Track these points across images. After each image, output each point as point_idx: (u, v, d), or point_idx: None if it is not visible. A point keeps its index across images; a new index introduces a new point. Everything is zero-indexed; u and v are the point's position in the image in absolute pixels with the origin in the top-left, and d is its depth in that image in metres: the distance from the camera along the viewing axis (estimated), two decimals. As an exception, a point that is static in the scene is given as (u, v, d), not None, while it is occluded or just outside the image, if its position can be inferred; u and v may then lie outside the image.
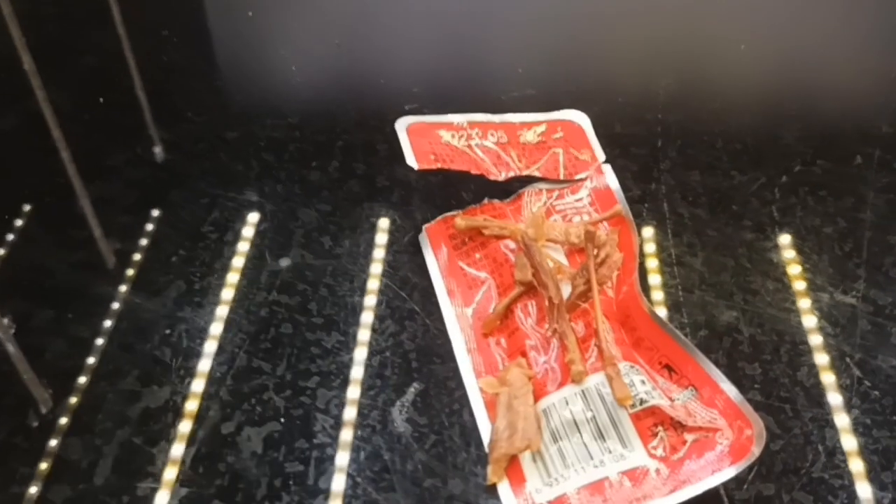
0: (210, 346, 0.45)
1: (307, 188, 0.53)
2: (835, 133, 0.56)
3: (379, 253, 0.49)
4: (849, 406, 0.41)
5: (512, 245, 0.47)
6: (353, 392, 0.42)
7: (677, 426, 0.38)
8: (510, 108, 0.58)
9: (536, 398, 0.40)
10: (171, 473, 0.39)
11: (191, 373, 0.43)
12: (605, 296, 0.44)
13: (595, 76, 0.62)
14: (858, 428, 0.40)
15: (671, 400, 0.39)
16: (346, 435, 0.41)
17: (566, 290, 0.44)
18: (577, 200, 0.49)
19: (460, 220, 0.48)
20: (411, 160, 0.49)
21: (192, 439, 0.41)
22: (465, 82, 0.62)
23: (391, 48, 0.65)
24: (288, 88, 0.62)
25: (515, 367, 0.41)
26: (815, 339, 0.44)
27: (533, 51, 0.65)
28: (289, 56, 0.65)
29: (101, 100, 0.61)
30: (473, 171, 0.49)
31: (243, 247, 0.50)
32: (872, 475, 0.39)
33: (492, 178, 0.49)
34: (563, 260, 0.46)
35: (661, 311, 0.45)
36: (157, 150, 0.57)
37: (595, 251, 0.44)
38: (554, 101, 0.59)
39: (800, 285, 0.47)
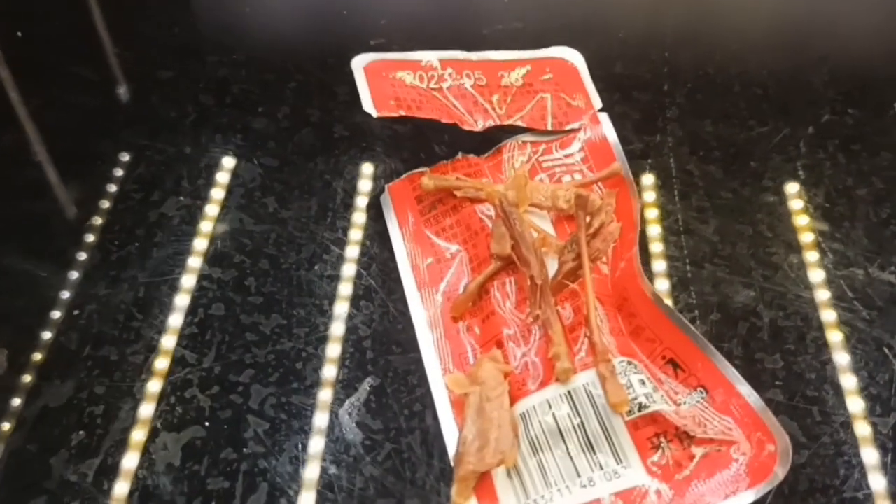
0: (124, 331, 0.37)
1: (251, 138, 0.45)
2: (869, 77, 0.48)
3: (332, 218, 0.41)
4: (886, 408, 0.34)
5: (489, 210, 0.39)
6: (294, 389, 0.35)
7: (683, 437, 0.31)
8: (493, 44, 0.50)
9: (514, 399, 0.33)
10: (68, 490, 0.32)
11: (100, 364, 0.36)
12: (598, 274, 0.36)
13: (592, 7, 0.53)
14: (900, 436, 0.34)
15: (676, 404, 0.32)
16: (283, 443, 0.34)
17: (552, 267, 0.36)
18: (568, 156, 0.41)
19: (427, 178, 0.40)
20: (369, 106, 0.40)
21: (95, 447, 0.34)
22: (441, 14, 0.53)
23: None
24: (234, 19, 0.53)
25: (489, 361, 0.34)
26: (847, 326, 0.37)
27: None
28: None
29: (18, 34, 0.52)
30: (444, 120, 0.41)
31: (170, 209, 0.42)
32: (917, 495, 0.32)
33: (466, 127, 0.41)
34: (550, 229, 0.38)
35: (665, 291, 0.38)
36: (76, 91, 0.48)
37: (587, 219, 0.36)
38: (544, 37, 0.50)
39: (829, 259, 0.39)
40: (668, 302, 0.37)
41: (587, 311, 0.34)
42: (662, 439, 0.32)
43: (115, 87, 0.48)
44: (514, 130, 0.43)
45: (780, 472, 0.30)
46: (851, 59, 0.50)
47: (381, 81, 0.41)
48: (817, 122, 0.46)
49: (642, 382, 0.32)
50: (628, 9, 0.53)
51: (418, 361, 0.36)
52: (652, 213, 0.41)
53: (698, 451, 0.31)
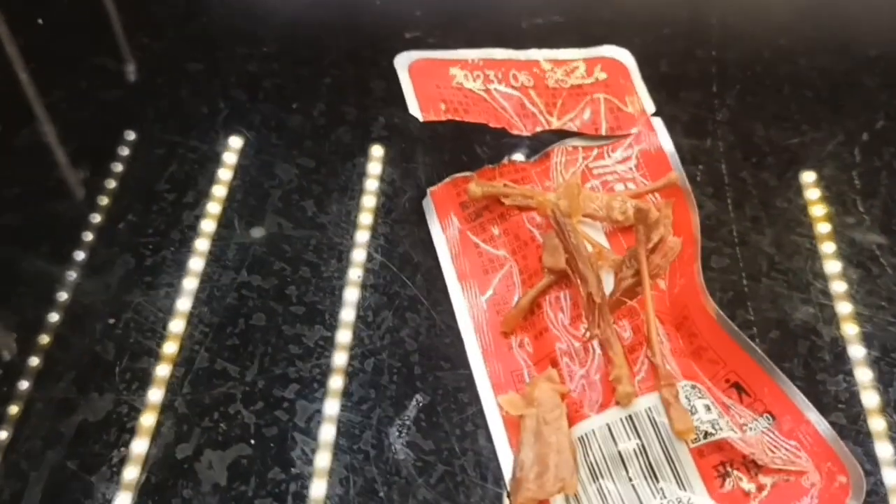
0: (163, 342, 0.36)
1: (286, 137, 0.44)
2: (924, 78, 0.47)
3: (373, 222, 0.40)
4: (955, 434, 0.33)
5: (539, 219, 0.37)
6: (342, 406, 0.34)
7: (751, 466, 0.30)
8: (531, 37, 0.48)
9: (571, 421, 0.32)
10: (111, 511, 0.31)
11: (139, 376, 0.35)
12: (657, 290, 0.35)
13: (635, 1, 0.51)
14: (968, 463, 0.33)
15: (742, 431, 0.31)
16: (331, 462, 0.33)
17: (608, 282, 0.35)
18: (621, 162, 0.39)
19: (475, 185, 0.38)
20: (415, 109, 0.39)
21: (139, 465, 0.32)
22: (478, 4, 0.51)
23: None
24: (264, 9, 0.51)
25: (545, 381, 0.33)
26: (911, 346, 0.36)
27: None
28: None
29: (40, 21, 0.50)
30: (492, 124, 0.39)
31: (206, 211, 0.40)
32: None
33: (515, 131, 0.40)
34: (604, 242, 0.37)
35: (720, 307, 0.37)
36: (104, 85, 0.46)
37: (647, 233, 0.35)
38: (585, 31, 0.49)
39: (888, 274, 0.38)
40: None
41: (648, 331, 0.33)
42: (730, 468, 0.30)
43: (142, 80, 0.47)
44: (562, 134, 0.41)
45: (853, 506, 0.29)
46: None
47: (426, 82, 0.40)
48: (872, 127, 0.44)
49: (707, 408, 0.31)
50: (673, 4, 0.51)
51: (469, 378, 0.35)
52: (705, 222, 0.40)
53: (767, 481, 0.30)
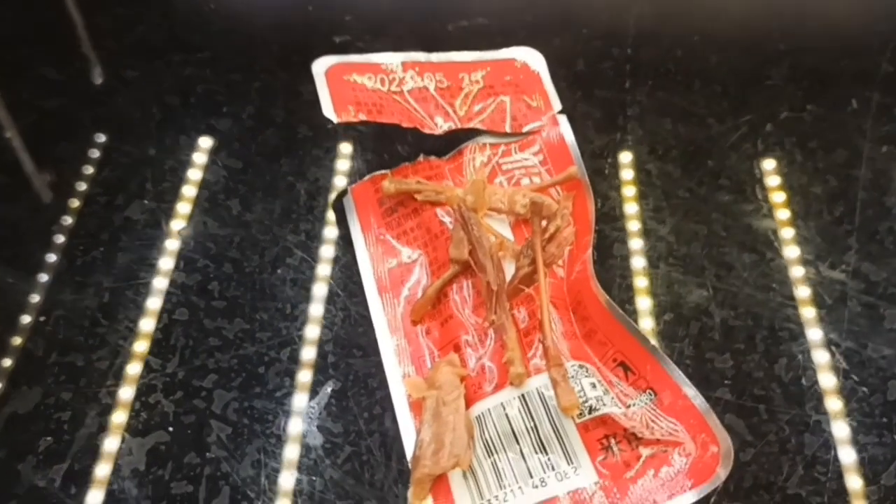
0: (90, 337, 0.38)
1: (215, 139, 0.46)
2: (828, 73, 0.49)
3: (296, 220, 0.42)
4: (832, 405, 0.35)
5: (443, 214, 0.39)
6: (257, 394, 0.36)
7: (632, 438, 0.33)
8: (456, 39, 0.50)
9: (470, 401, 0.34)
10: (37, 495, 0.33)
11: (66, 370, 0.37)
12: (554, 277, 0.37)
13: (557, 3, 0.53)
14: (841, 433, 0.35)
15: (626, 406, 0.33)
16: (246, 447, 0.35)
17: (510, 271, 0.37)
18: (527, 158, 0.42)
19: (388, 182, 0.40)
20: (329, 111, 0.41)
21: (63, 453, 0.34)
22: (406, 9, 0.53)
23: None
24: (201, 17, 0.53)
25: (446, 364, 0.35)
26: (796, 325, 0.38)
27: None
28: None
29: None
30: (404, 124, 0.41)
31: (135, 213, 0.42)
32: (857, 490, 0.33)
33: (427, 130, 0.42)
34: (508, 233, 0.39)
35: (621, 292, 0.39)
36: (45, 94, 0.48)
37: (543, 224, 0.37)
38: (508, 32, 0.51)
39: (782, 259, 0.40)
40: (618, 303, 0.38)
41: (541, 315, 0.35)
42: (612, 440, 0.33)
43: (82, 89, 0.48)
44: (475, 132, 0.43)
45: (721, 473, 0.31)
46: (812, 54, 0.50)
47: (341, 86, 0.42)
48: (776, 118, 0.46)
49: (593, 386, 0.33)
50: (593, 4, 0.53)
51: (379, 364, 0.37)
52: (612, 213, 0.42)
53: (645, 452, 0.32)
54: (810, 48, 0.50)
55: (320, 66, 0.43)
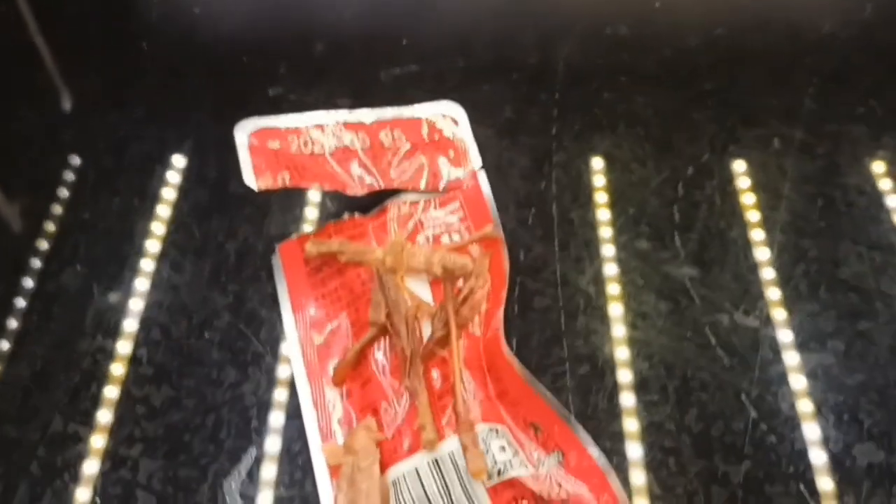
0: (23, 409, 0.39)
1: (148, 201, 0.46)
2: (754, 111, 0.50)
3: (224, 282, 0.43)
4: (740, 456, 0.37)
5: (364, 276, 0.40)
6: (182, 461, 0.37)
7: (540, 500, 0.34)
8: (388, 89, 0.51)
9: (387, 464, 0.35)
10: (-36, 574, 0.34)
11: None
12: (469, 337, 0.38)
13: (488, 48, 0.54)
14: (749, 483, 0.36)
15: (535, 467, 0.34)
16: (170, 516, 0.36)
17: (428, 332, 0.38)
18: (448, 215, 0.42)
19: (311, 244, 0.41)
20: (250, 178, 0.42)
21: (-8, 529, 0.35)
22: (338, 57, 0.54)
23: (255, 15, 0.57)
24: (135, 68, 0.53)
25: (363, 429, 0.36)
26: (707, 374, 0.39)
27: (419, 18, 0.56)
28: (138, 29, 0.56)
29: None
30: (326, 188, 0.42)
31: (69, 279, 0.43)
32: (760, 541, 0.35)
33: (350, 192, 0.43)
34: (427, 294, 0.40)
35: (537, 344, 0.40)
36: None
37: (460, 284, 0.38)
38: (439, 78, 0.52)
39: (696, 306, 0.41)
40: (537, 357, 0.39)
41: (454, 379, 0.36)
42: (522, 502, 0.34)
43: (12, 150, 0.49)
44: (398, 190, 0.44)
45: (622, 534, 0.32)
46: (739, 91, 0.51)
47: (264, 150, 0.42)
48: (697, 161, 0.47)
49: (503, 449, 0.34)
50: (524, 47, 0.54)
51: (301, 428, 0.38)
52: (534, 265, 0.43)
53: (552, 514, 0.33)
54: (739, 84, 0.51)
55: (243, 131, 0.43)
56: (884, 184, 0.46)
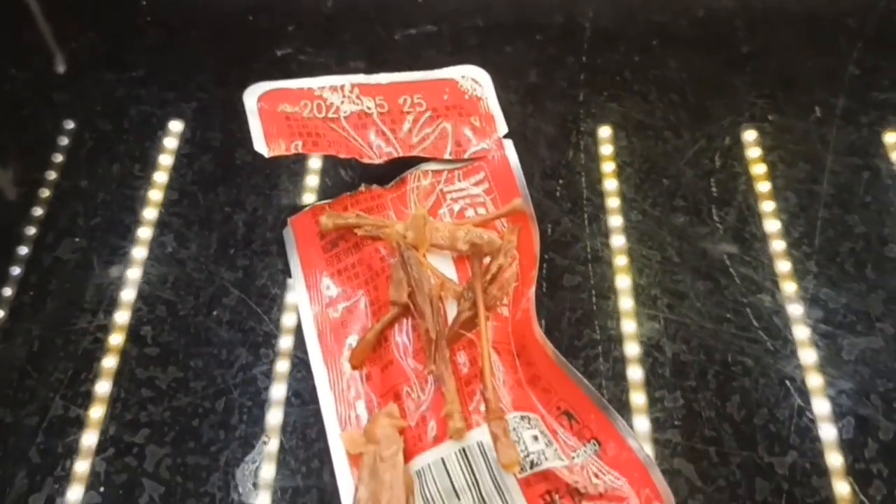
0: (18, 391, 0.36)
1: (148, 169, 0.43)
2: (793, 77, 0.47)
3: (233, 256, 0.40)
4: (786, 447, 0.34)
5: (385, 251, 0.38)
6: (190, 449, 0.35)
7: (575, 493, 0.31)
8: (403, 50, 0.48)
9: (411, 454, 0.33)
10: (-41, 568, 0.32)
11: (-8, 428, 0.35)
12: (498, 319, 0.36)
13: (509, 7, 0.51)
14: (796, 476, 0.34)
15: (570, 458, 0.32)
16: (179, 507, 0.33)
17: (453, 312, 0.35)
18: (472, 187, 0.40)
19: (326, 217, 0.38)
20: (261, 145, 0.39)
21: (-11, 520, 0.33)
22: (350, 17, 0.50)
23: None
24: (133, 33, 0.50)
25: (384, 416, 0.34)
26: (750, 359, 0.37)
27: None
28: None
29: None
30: (342, 155, 0.39)
31: (65, 252, 0.40)
32: (807, 537, 0.32)
33: (366, 160, 0.40)
34: (452, 271, 0.37)
35: (568, 325, 0.37)
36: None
37: (487, 261, 0.35)
38: (458, 39, 0.48)
39: (737, 285, 0.39)
40: (567, 339, 0.37)
41: (482, 364, 0.33)
42: (555, 496, 0.31)
43: (6, 114, 0.46)
44: (418, 160, 0.41)
45: (664, 531, 0.30)
46: (777, 56, 0.48)
47: (276, 115, 0.39)
48: (734, 131, 0.45)
49: (535, 439, 0.32)
50: (547, 6, 0.51)
51: (317, 413, 0.36)
52: (562, 240, 0.40)
53: (589, 509, 0.31)
54: (777, 49, 0.48)
55: (252, 95, 0.40)
56: (933, 156, 0.43)
